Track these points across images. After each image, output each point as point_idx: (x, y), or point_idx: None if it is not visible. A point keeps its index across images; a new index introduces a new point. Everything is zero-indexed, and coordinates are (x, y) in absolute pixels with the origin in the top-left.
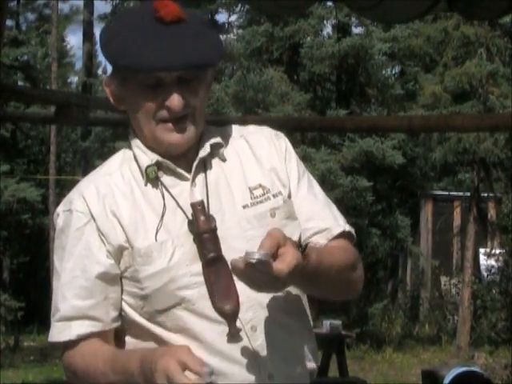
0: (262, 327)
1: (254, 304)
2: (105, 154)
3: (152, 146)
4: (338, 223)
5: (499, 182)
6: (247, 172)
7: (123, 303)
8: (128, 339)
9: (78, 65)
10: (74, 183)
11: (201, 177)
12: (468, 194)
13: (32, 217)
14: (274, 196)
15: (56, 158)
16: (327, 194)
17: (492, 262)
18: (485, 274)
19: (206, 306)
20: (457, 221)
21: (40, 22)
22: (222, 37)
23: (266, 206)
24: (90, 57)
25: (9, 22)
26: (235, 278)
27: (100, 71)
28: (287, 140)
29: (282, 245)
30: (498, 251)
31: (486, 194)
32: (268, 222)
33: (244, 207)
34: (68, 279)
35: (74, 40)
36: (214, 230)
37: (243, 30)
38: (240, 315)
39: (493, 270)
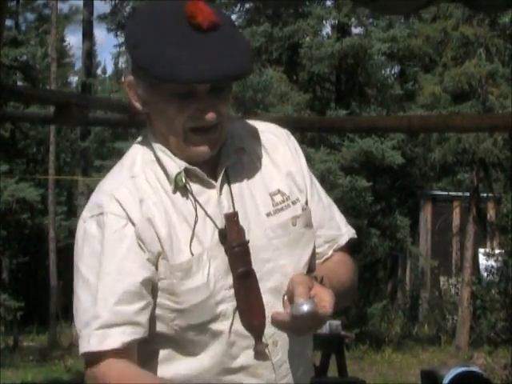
0: (283, 342)
1: None
2: (104, 154)
3: (175, 152)
4: (343, 232)
5: (498, 182)
6: (266, 177)
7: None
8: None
9: (78, 65)
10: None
11: (225, 184)
12: (467, 194)
13: (31, 217)
14: (293, 203)
15: (55, 158)
16: (327, 194)
17: (491, 262)
18: (484, 274)
19: (237, 319)
20: (456, 221)
21: (39, 21)
22: None
23: (287, 215)
24: (89, 57)
25: (8, 22)
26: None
27: (100, 71)
28: (295, 139)
29: (311, 286)
30: (497, 251)
31: (485, 194)
32: (290, 230)
33: (267, 215)
34: (111, 284)
35: (73, 40)
36: (245, 244)
37: (242, 30)
38: (265, 329)
39: (492, 270)
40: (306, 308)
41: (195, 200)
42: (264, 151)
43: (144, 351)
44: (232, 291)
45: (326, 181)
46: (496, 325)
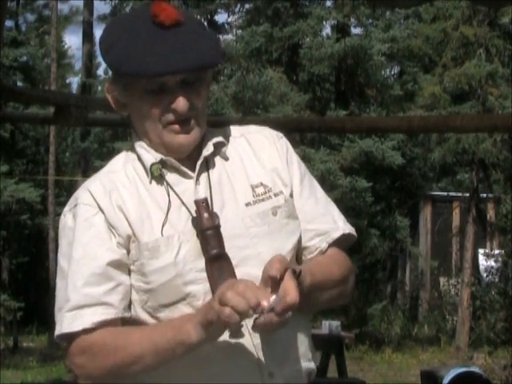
0: None
1: None
2: (104, 154)
3: (157, 148)
4: (338, 226)
5: (498, 183)
6: (249, 171)
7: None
8: None
9: (78, 65)
10: (73, 184)
11: (204, 175)
12: (467, 194)
13: (31, 217)
14: (276, 195)
15: (55, 159)
16: (327, 194)
17: (491, 262)
18: (484, 274)
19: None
20: (456, 221)
21: (39, 22)
22: (222, 37)
23: (267, 205)
24: (89, 57)
25: (8, 23)
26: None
27: (101, 72)
28: (287, 141)
29: (283, 271)
30: (497, 252)
31: (485, 195)
32: (270, 220)
33: (247, 205)
34: (78, 269)
35: (73, 41)
36: (217, 227)
37: (242, 31)
38: None
39: (492, 271)
40: (266, 304)
41: (171, 188)
42: (250, 148)
43: None
44: (204, 274)
45: (326, 181)
46: (496, 325)
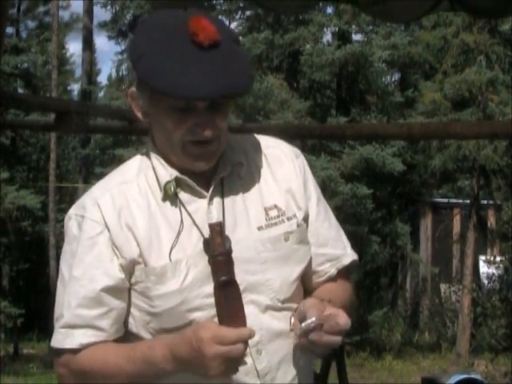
0: (268, 351)
1: (261, 328)
2: (105, 161)
3: (174, 163)
4: (347, 252)
5: (499, 189)
6: (264, 191)
7: (130, 314)
8: None
9: (78, 72)
10: (74, 190)
11: (218, 195)
12: (468, 201)
13: (32, 224)
14: (289, 219)
15: (56, 166)
16: (327, 201)
17: (492, 269)
18: (485, 281)
19: None
20: (456, 228)
21: (40, 29)
22: None
23: (280, 229)
24: (90, 64)
25: (9, 30)
26: (245, 303)
27: (101, 79)
28: (305, 160)
29: (323, 309)
30: (498, 258)
31: (485, 202)
32: (281, 245)
33: (259, 229)
34: (75, 287)
35: (73, 47)
36: (228, 253)
37: (243, 38)
38: None
39: (493, 278)
40: (314, 318)
41: (183, 208)
42: (267, 165)
43: None
44: (210, 300)
45: (327, 188)
46: (497, 332)
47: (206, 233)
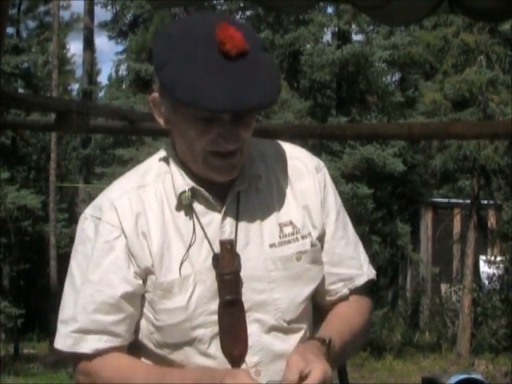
0: (267, 372)
1: (262, 349)
2: (105, 161)
3: (192, 170)
4: (363, 271)
5: (499, 189)
6: (280, 206)
7: (139, 317)
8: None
9: (79, 72)
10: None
11: (233, 209)
12: (468, 201)
13: (32, 224)
14: (303, 237)
15: (56, 166)
16: None
17: (492, 269)
18: (485, 281)
19: (216, 345)
20: (457, 228)
21: (41, 29)
22: None
23: (292, 248)
24: (90, 64)
25: (9, 30)
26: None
27: (101, 79)
28: (327, 172)
29: (303, 368)
30: (498, 258)
31: (486, 202)
32: (292, 265)
33: (271, 246)
34: (91, 292)
35: (74, 47)
36: (236, 273)
37: None
38: (246, 358)
39: (493, 278)
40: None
41: (197, 220)
42: (287, 178)
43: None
44: (214, 317)
45: None
46: (497, 332)
47: (217, 247)
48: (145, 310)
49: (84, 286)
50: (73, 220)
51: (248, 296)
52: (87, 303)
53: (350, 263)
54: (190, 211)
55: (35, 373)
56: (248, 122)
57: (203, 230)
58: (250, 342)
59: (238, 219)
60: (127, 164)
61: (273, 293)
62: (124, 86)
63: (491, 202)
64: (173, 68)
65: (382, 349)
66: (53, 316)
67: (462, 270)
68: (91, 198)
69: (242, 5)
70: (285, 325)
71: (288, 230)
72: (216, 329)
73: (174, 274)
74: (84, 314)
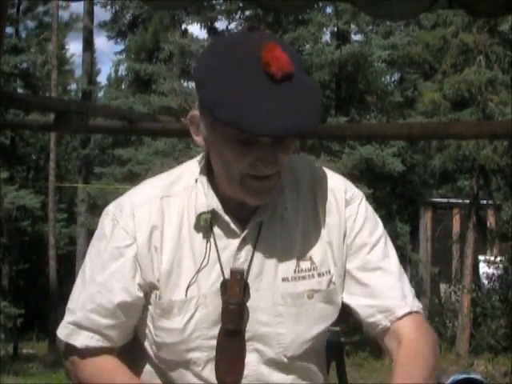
0: None
1: (257, 379)
2: (104, 161)
3: (220, 189)
4: (405, 301)
5: (498, 189)
6: (302, 239)
7: (145, 327)
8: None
9: (78, 72)
10: (73, 190)
11: (253, 236)
12: (467, 201)
13: (31, 224)
14: (320, 275)
15: (56, 166)
16: None
17: (492, 269)
18: (485, 281)
19: (210, 369)
20: (456, 228)
21: (40, 29)
22: None
23: (306, 285)
24: (90, 64)
25: (9, 30)
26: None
27: (100, 79)
28: (363, 203)
29: None
30: (497, 259)
31: (485, 202)
32: (303, 302)
33: (283, 280)
34: (93, 291)
35: (73, 47)
36: (242, 304)
37: None
38: None
39: (493, 278)
40: None
41: (214, 242)
42: (316, 211)
43: (135, 358)
44: (212, 342)
45: None
46: (496, 332)
47: (228, 273)
48: (147, 320)
49: (89, 284)
50: (72, 220)
51: (251, 326)
52: (87, 301)
53: (389, 294)
54: (207, 232)
55: (34, 373)
56: (288, 145)
57: (218, 253)
58: (246, 371)
59: (255, 248)
60: (126, 164)
61: (277, 327)
62: (123, 86)
63: (490, 201)
64: (215, 86)
65: (381, 349)
66: (52, 316)
67: (462, 270)
68: (90, 197)
69: (241, 5)
70: (285, 360)
71: (305, 265)
72: (212, 353)
73: (178, 294)
74: (82, 310)
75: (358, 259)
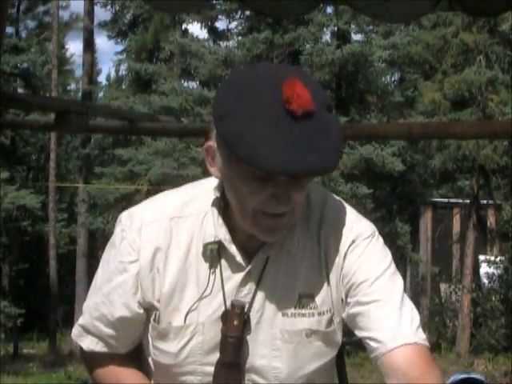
0: None
1: None
2: (105, 161)
3: (230, 220)
4: (400, 333)
5: (499, 189)
6: (306, 276)
7: (146, 339)
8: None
9: (78, 72)
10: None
11: (257, 271)
12: (467, 201)
13: (32, 224)
14: (320, 314)
15: (56, 165)
16: None
17: (492, 269)
18: (485, 281)
19: None
20: (456, 228)
21: (40, 29)
22: (222, 44)
23: (305, 323)
24: (90, 64)
25: (9, 30)
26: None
27: (101, 79)
28: (372, 241)
29: None
30: (498, 258)
31: (485, 201)
32: (300, 340)
33: (283, 315)
34: (98, 301)
35: (73, 47)
36: (241, 338)
37: (243, 38)
38: None
39: (493, 277)
40: None
41: (219, 272)
42: (323, 249)
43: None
44: (207, 368)
45: (327, 188)
46: (497, 332)
47: (229, 304)
48: (148, 336)
49: (97, 291)
50: (72, 220)
51: (249, 358)
52: (93, 309)
53: (382, 326)
54: (214, 261)
55: (34, 372)
56: (304, 184)
57: (222, 282)
58: None
59: (259, 282)
60: (126, 164)
61: (274, 360)
62: (123, 86)
63: (491, 201)
64: (234, 120)
65: None
66: (52, 316)
67: (462, 269)
68: (91, 197)
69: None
70: None
71: (306, 302)
72: (206, 379)
73: (177, 319)
74: (89, 316)
75: (359, 295)
